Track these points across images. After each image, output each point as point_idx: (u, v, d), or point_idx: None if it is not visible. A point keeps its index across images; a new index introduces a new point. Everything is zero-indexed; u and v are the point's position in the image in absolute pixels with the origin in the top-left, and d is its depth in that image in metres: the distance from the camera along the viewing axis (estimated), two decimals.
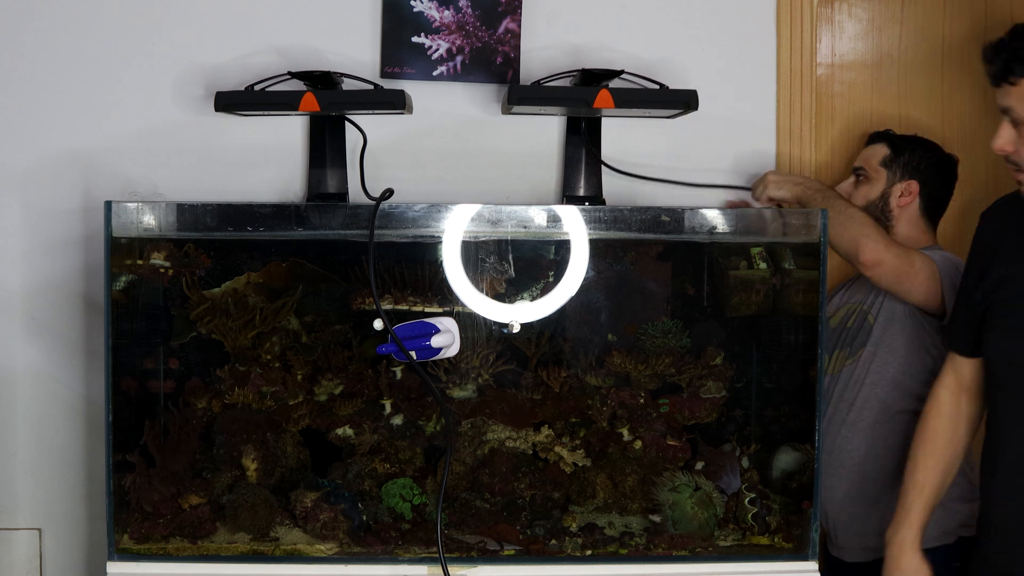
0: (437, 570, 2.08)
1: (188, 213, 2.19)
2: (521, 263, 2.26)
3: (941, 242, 2.49)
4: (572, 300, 2.20)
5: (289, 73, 2.24)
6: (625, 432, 2.34)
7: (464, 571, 2.11)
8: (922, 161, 2.42)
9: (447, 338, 2.14)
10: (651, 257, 2.42)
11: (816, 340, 2.16)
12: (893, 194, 2.40)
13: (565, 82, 2.32)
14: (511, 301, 2.25)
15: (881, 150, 2.44)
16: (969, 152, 2.64)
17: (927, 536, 2.16)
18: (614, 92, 2.18)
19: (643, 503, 2.31)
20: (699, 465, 2.34)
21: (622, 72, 2.26)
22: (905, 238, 2.39)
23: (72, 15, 2.35)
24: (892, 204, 2.41)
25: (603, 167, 2.39)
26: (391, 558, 2.15)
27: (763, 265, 2.34)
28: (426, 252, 2.21)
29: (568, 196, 2.39)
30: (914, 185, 2.41)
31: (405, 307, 2.22)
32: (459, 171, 2.44)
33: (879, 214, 2.40)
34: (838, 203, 2.30)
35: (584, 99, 2.19)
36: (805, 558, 2.19)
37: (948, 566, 2.22)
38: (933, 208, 2.45)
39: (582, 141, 2.38)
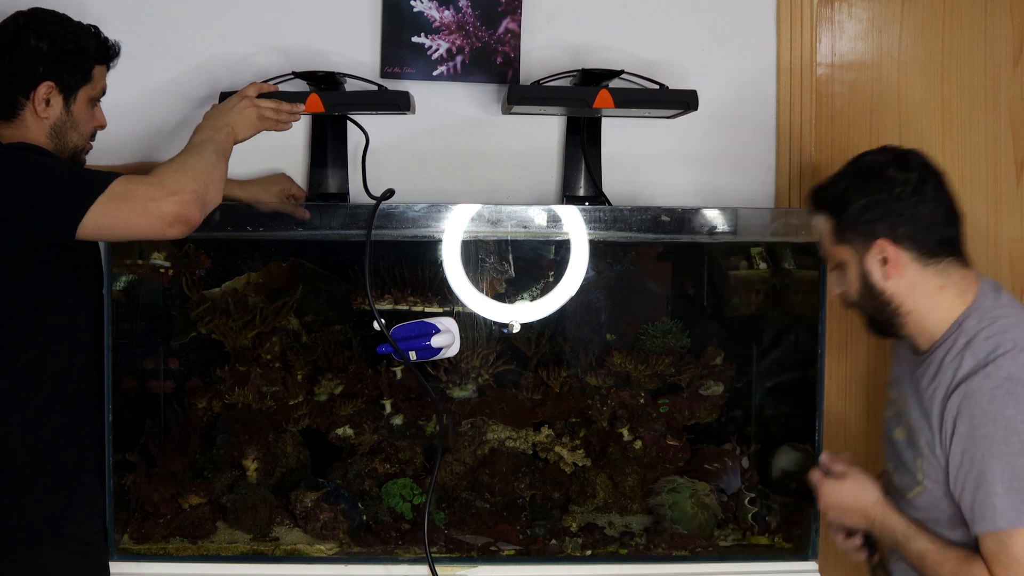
0: (438, 570, 2.08)
1: None
2: (521, 263, 2.26)
3: None
4: (572, 300, 2.19)
5: (293, 73, 2.24)
6: (625, 432, 2.34)
7: (464, 571, 2.11)
8: (873, 205, 1.75)
9: (447, 338, 2.14)
10: (651, 257, 2.42)
11: (816, 340, 2.16)
12: (871, 271, 1.79)
13: (565, 82, 2.32)
14: (511, 301, 2.25)
15: (823, 224, 1.84)
16: (969, 153, 2.64)
17: None
18: (614, 92, 2.18)
19: (643, 503, 2.31)
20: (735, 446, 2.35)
21: (622, 72, 2.26)
22: (932, 309, 1.77)
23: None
24: (877, 283, 1.79)
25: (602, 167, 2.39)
26: (391, 558, 2.15)
27: (763, 265, 2.34)
28: (426, 252, 2.21)
29: (568, 196, 2.39)
30: (885, 245, 1.76)
31: (405, 307, 2.22)
32: (459, 171, 2.44)
33: (878, 305, 1.81)
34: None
35: (584, 99, 2.19)
36: (805, 558, 2.19)
37: None
38: (930, 242, 1.76)
39: (582, 141, 2.38)
